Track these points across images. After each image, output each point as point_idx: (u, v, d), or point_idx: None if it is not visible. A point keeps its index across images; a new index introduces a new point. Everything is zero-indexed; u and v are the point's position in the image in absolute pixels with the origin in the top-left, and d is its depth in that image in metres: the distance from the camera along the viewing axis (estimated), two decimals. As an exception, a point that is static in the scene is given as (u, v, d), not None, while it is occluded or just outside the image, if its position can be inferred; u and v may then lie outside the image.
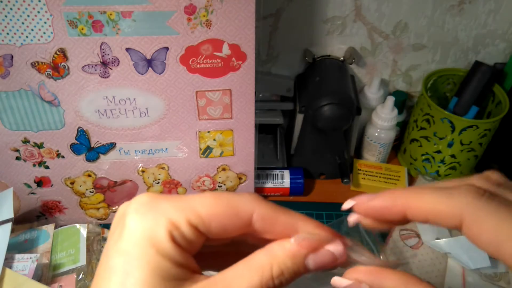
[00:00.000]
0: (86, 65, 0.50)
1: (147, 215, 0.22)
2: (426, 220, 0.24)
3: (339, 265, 0.25)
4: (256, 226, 0.24)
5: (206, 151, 0.60)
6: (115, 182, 0.62)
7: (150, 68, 0.51)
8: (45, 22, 0.47)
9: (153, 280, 0.21)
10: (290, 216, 0.24)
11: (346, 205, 0.26)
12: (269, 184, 0.70)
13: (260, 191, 0.70)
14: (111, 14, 0.47)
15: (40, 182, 0.60)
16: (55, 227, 0.61)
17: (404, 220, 0.25)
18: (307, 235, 0.24)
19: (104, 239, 0.60)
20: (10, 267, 0.53)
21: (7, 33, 0.47)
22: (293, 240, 0.24)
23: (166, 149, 0.59)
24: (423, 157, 0.71)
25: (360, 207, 0.26)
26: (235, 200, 0.23)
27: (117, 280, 0.21)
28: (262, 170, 0.70)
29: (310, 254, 0.24)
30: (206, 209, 0.23)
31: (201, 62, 0.51)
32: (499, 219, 0.22)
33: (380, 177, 0.72)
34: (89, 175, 0.60)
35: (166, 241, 0.22)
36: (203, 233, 0.23)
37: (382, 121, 0.69)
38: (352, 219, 0.26)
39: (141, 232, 0.22)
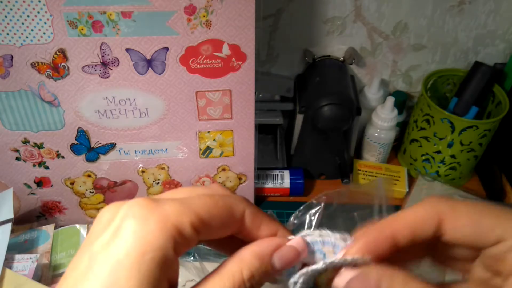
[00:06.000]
0: (86, 66, 0.50)
1: (148, 220, 0.21)
2: (413, 234, 0.25)
3: (302, 258, 0.26)
4: (246, 223, 0.25)
5: (206, 152, 0.60)
6: (115, 182, 0.62)
7: (150, 69, 0.51)
8: (45, 23, 0.47)
9: None
10: (272, 221, 0.27)
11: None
12: (269, 185, 0.70)
13: (260, 192, 0.70)
14: (111, 15, 0.47)
15: (40, 183, 0.60)
16: (55, 228, 0.61)
17: (395, 248, 0.26)
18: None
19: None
20: (10, 268, 0.53)
21: (7, 33, 0.47)
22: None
23: (166, 149, 0.59)
24: (423, 158, 0.71)
25: (356, 251, 0.26)
26: (230, 201, 0.25)
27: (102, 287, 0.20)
28: (262, 170, 0.70)
29: (275, 252, 0.25)
30: (206, 210, 0.23)
31: (201, 62, 0.51)
32: (472, 206, 0.25)
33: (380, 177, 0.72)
34: (89, 176, 0.60)
35: (167, 249, 0.21)
36: (201, 234, 0.23)
37: (382, 121, 0.69)
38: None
39: (139, 239, 0.21)
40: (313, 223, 0.28)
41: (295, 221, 0.31)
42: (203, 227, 0.23)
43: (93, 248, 0.21)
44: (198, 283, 0.23)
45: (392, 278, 0.24)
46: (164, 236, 0.21)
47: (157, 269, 0.21)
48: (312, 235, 0.27)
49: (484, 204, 0.25)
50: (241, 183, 0.65)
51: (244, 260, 0.24)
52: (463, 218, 0.25)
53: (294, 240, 0.26)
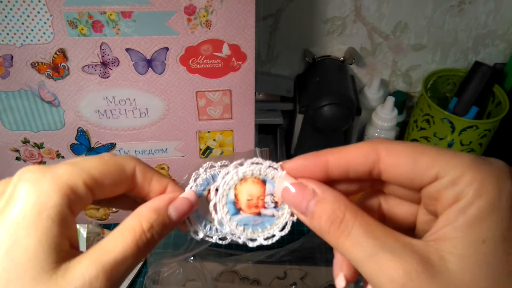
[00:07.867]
0: (86, 66, 0.50)
1: (41, 181, 0.23)
2: (346, 166, 0.26)
3: (194, 208, 0.29)
4: (137, 180, 0.28)
5: (206, 152, 0.60)
6: (115, 182, 0.62)
7: (150, 69, 0.51)
8: (45, 23, 0.47)
9: (41, 248, 0.21)
10: (162, 176, 0.29)
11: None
12: (269, 185, 0.70)
13: (260, 192, 0.70)
14: (111, 15, 0.47)
15: (40, 183, 0.60)
16: (55, 228, 0.61)
17: (326, 176, 0.27)
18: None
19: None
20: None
21: (7, 33, 0.47)
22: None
23: (166, 149, 0.59)
24: (423, 158, 0.71)
25: (290, 171, 0.28)
26: (120, 159, 0.27)
27: (2, 250, 0.21)
28: (262, 170, 0.70)
29: (170, 205, 0.27)
30: (98, 169, 0.25)
31: (201, 62, 0.51)
32: (410, 146, 0.24)
33: (380, 177, 0.72)
34: (89, 176, 0.60)
35: (62, 206, 0.22)
36: (95, 193, 0.25)
37: (382, 121, 0.69)
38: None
39: (34, 199, 0.22)
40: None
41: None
42: (96, 185, 0.24)
43: None
44: (101, 241, 0.24)
45: (325, 191, 0.25)
46: (58, 194, 0.22)
47: (54, 226, 0.22)
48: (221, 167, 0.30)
49: (422, 144, 0.25)
50: (241, 183, 0.65)
51: (142, 214, 0.26)
52: (401, 157, 0.24)
53: (186, 192, 0.29)
